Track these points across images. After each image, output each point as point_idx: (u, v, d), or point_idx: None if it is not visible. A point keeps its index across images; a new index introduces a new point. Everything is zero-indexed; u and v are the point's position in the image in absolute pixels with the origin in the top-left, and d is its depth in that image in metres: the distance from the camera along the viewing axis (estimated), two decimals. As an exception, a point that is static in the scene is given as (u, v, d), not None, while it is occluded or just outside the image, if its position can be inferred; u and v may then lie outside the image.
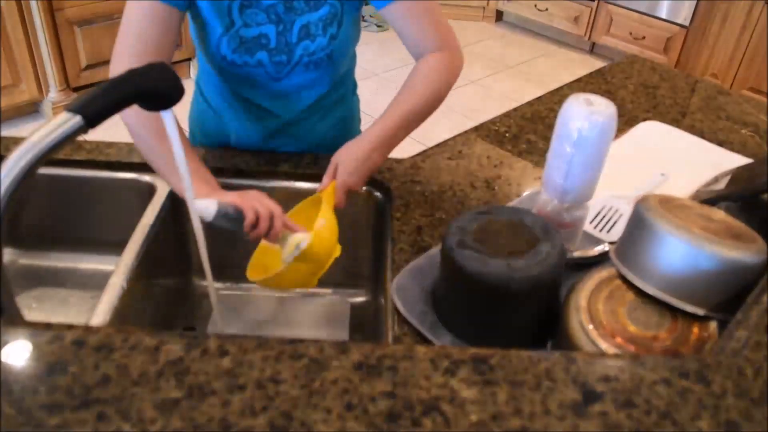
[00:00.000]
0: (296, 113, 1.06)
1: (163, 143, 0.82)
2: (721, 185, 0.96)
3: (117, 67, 0.87)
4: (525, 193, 1.01)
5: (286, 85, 1.00)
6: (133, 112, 0.77)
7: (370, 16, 4.01)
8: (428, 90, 0.95)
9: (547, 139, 1.17)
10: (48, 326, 0.58)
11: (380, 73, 3.51)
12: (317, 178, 1.02)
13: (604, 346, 0.65)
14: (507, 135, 1.18)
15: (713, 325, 0.68)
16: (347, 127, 1.17)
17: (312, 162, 1.05)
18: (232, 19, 0.91)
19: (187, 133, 1.12)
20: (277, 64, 0.96)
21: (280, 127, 1.07)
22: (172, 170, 0.86)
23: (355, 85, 1.19)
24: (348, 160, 0.90)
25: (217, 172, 1.02)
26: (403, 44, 1.00)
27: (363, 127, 1.25)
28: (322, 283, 1.10)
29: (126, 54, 0.86)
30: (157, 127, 0.83)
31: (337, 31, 0.96)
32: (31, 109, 2.77)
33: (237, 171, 1.03)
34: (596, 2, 3.64)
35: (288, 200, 1.04)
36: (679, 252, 0.68)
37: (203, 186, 0.86)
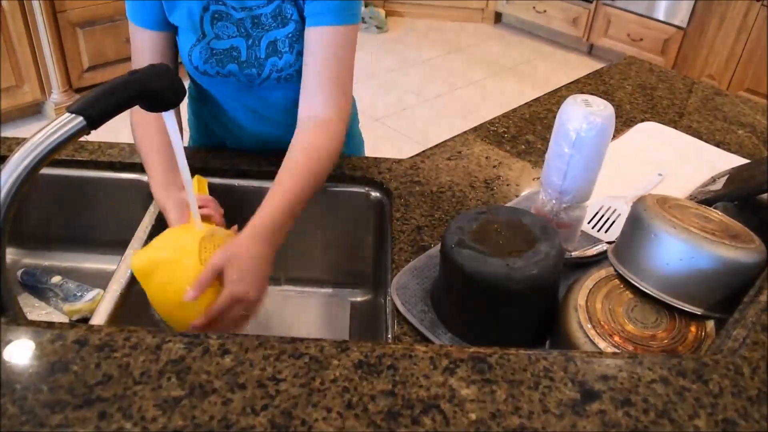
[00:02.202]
0: (280, 120, 1.04)
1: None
2: (718, 186, 0.97)
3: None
4: (523, 193, 1.02)
5: (261, 93, 1.00)
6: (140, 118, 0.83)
7: (370, 17, 4.01)
8: (310, 174, 0.86)
9: (545, 140, 1.17)
10: (50, 325, 0.58)
11: (380, 74, 3.51)
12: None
13: (602, 345, 0.66)
14: (506, 135, 1.19)
15: (711, 325, 0.68)
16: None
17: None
18: (204, 30, 0.92)
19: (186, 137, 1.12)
20: (248, 76, 0.96)
21: (272, 138, 1.06)
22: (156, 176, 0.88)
23: None
24: (234, 265, 0.73)
25: (218, 172, 1.02)
26: (303, 76, 0.92)
27: (361, 127, 1.26)
28: (322, 283, 1.11)
29: None
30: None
31: (303, 48, 0.93)
32: (33, 110, 2.77)
33: (239, 172, 1.03)
34: (594, 4, 3.65)
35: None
36: (677, 252, 0.68)
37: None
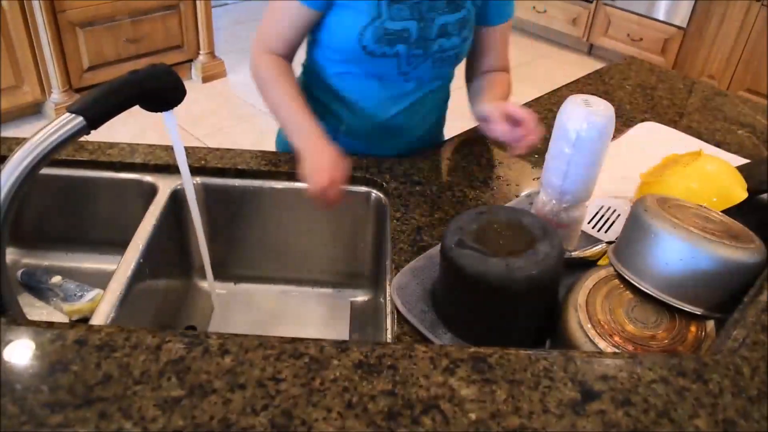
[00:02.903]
0: (405, 107, 1.09)
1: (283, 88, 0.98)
2: (719, 186, 0.97)
3: (257, 59, 1.01)
4: (523, 194, 1.02)
5: (411, 78, 1.04)
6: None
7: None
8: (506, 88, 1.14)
9: (545, 140, 1.17)
10: (50, 325, 0.58)
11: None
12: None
13: (602, 345, 0.65)
14: (506, 136, 1.18)
15: (711, 325, 0.68)
16: (439, 126, 1.22)
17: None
18: (380, 12, 0.96)
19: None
20: (411, 57, 1.01)
21: (384, 122, 1.09)
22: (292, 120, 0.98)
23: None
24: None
25: (218, 172, 1.03)
26: (480, 60, 1.12)
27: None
28: (322, 283, 1.11)
29: (265, 48, 1.01)
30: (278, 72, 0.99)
31: (468, 35, 1.05)
32: (33, 110, 2.77)
33: (238, 171, 1.03)
34: (594, 4, 3.65)
35: (288, 200, 1.04)
36: (677, 252, 0.68)
37: (316, 141, 0.93)
